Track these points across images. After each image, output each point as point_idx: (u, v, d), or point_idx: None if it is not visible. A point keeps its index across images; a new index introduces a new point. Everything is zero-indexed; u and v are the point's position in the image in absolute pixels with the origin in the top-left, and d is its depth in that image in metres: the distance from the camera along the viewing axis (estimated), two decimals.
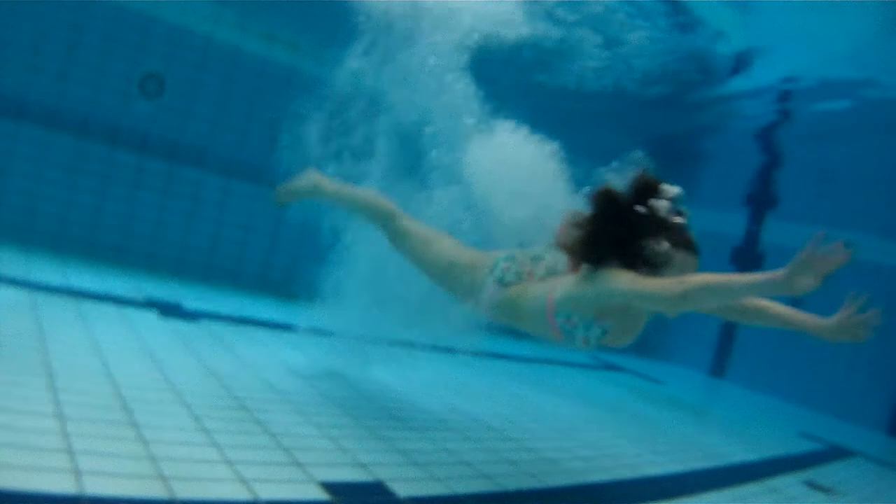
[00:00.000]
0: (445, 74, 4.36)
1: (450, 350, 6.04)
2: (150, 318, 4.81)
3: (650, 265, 2.73)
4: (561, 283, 2.95)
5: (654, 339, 11.72)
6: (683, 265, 2.71)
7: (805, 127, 10.61)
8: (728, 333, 11.48)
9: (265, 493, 2.42)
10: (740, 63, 9.12)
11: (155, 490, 2.20)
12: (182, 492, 2.24)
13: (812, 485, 4.92)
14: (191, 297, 5.91)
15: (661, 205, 2.75)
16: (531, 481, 3.40)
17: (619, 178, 2.84)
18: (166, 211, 6.78)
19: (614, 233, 2.75)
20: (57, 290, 4.79)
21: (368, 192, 3.98)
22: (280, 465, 2.73)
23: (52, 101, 6.10)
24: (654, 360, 11.43)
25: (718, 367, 11.61)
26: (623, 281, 2.62)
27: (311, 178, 4.13)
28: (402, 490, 2.80)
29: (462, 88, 4.28)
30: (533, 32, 6.25)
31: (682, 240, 2.75)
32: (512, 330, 3.42)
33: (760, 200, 11.54)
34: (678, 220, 2.77)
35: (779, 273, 2.16)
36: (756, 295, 2.40)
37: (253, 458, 2.72)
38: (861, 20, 7.20)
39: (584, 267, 2.84)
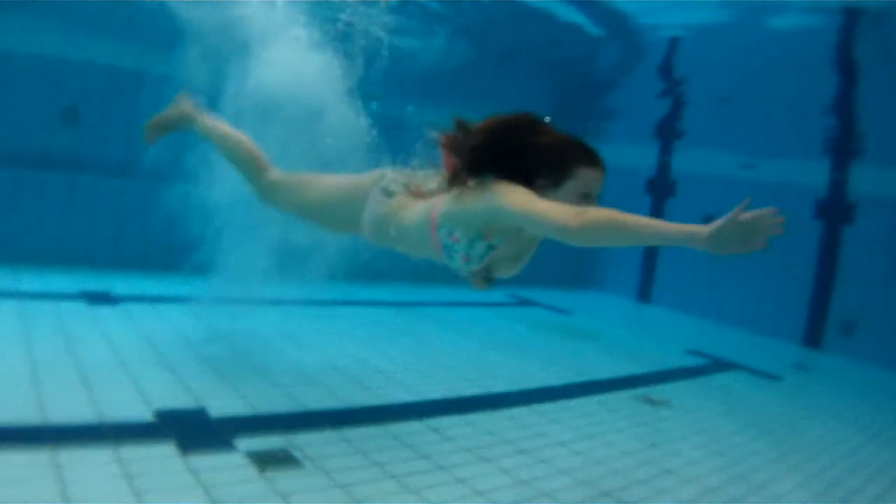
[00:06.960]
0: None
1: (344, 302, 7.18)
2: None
3: (549, 178, 2.53)
4: (446, 198, 2.75)
5: (588, 268, 12.69)
6: (586, 179, 2.53)
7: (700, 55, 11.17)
8: (650, 257, 12.39)
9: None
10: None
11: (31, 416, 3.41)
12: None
13: (647, 399, 5.58)
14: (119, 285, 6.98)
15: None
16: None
17: None
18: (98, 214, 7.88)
19: (512, 140, 2.53)
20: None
21: (242, 137, 3.71)
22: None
23: None
24: (586, 291, 12.17)
25: (644, 292, 12.45)
26: (515, 199, 2.36)
27: (181, 106, 3.86)
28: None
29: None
30: None
31: (581, 153, 2.55)
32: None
33: (667, 132, 12.37)
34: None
35: (700, 232, 1.92)
36: (665, 244, 2.07)
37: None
38: None
39: (473, 180, 2.63)
